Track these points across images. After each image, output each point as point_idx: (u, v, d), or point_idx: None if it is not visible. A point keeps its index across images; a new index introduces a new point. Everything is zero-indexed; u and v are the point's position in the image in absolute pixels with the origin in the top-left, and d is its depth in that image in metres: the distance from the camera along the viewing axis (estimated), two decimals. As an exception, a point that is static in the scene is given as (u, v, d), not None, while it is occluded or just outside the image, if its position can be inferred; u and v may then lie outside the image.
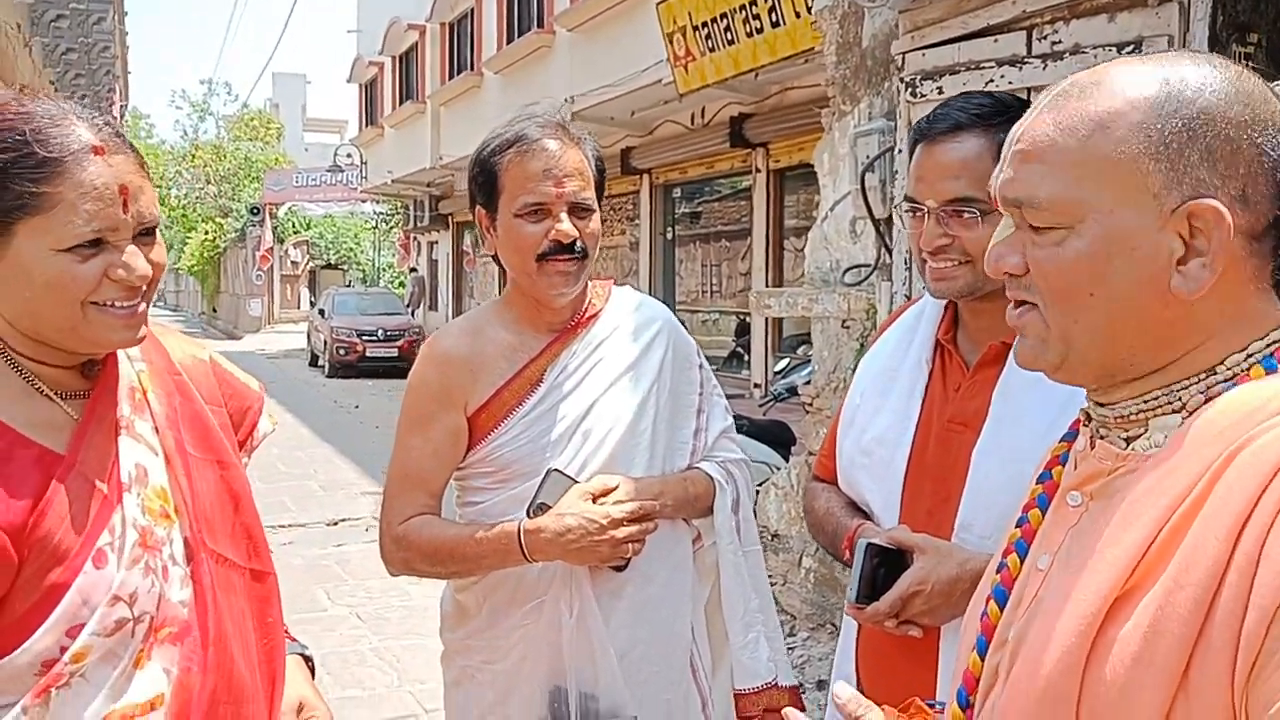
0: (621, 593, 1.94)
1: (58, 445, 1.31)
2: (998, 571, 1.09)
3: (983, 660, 1.05)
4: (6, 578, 1.22)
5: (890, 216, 4.18)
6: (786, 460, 6.38)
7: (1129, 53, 2.38)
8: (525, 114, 1.99)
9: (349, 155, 28.00)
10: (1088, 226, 0.93)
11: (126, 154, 1.30)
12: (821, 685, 4.55)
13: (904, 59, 2.86)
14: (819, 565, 5.21)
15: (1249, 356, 0.92)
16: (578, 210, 1.91)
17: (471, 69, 19.35)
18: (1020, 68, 2.56)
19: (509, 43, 17.37)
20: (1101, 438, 1.01)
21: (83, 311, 1.28)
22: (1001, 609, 1.05)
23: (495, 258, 2.02)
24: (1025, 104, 1.78)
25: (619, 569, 1.91)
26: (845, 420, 1.97)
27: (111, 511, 1.31)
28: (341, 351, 20.13)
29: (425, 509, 1.95)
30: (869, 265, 4.51)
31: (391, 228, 32.56)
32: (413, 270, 28.57)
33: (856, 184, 4.23)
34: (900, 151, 2.95)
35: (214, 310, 40.68)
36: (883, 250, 4.23)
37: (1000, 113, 1.71)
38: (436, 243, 27.53)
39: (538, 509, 1.86)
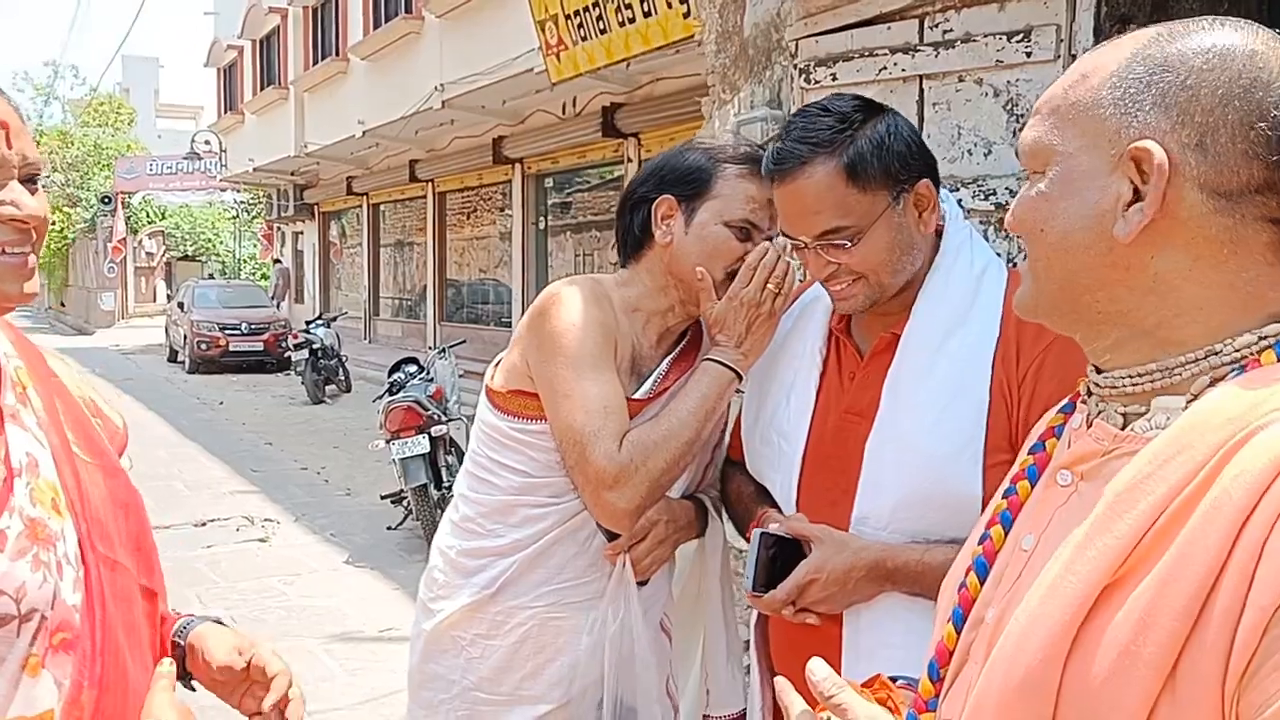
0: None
1: None
2: (979, 543, 1.06)
3: (958, 634, 1.03)
4: None
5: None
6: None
7: (1018, 42, 2.43)
8: (748, 142, 2.05)
9: (207, 142, 27.00)
10: (1052, 169, 0.96)
11: None
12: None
13: (797, 46, 2.86)
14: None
15: (1262, 339, 0.89)
16: None
17: (336, 54, 18.91)
18: (913, 55, 2.59)
19: (376, 28, 17.04)
20: (1099, 414, 0.99)
21: None
22: (982, 582, 1.03)
23: (635, 240, 2.02)
24: (872, 106, 1.74)
25: (642, 584, 1.96)
26: (746, 408, 2.00)
27: (12, 493, 1.18)
28: (203, 346, 19.37)
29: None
30: (753, 252, 4.52)
31: (254, 218, 31.63)
32: (277, 261, 27.80)
33: (740, 172, 4.22)
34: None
35: (61, 305, 38.84)
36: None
37: (840, 130, 1.68)
38: (302, 233, 26.88)
39: None
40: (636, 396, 1.94)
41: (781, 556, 1.70)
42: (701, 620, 2.13)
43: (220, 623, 1.48)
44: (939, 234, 1.77)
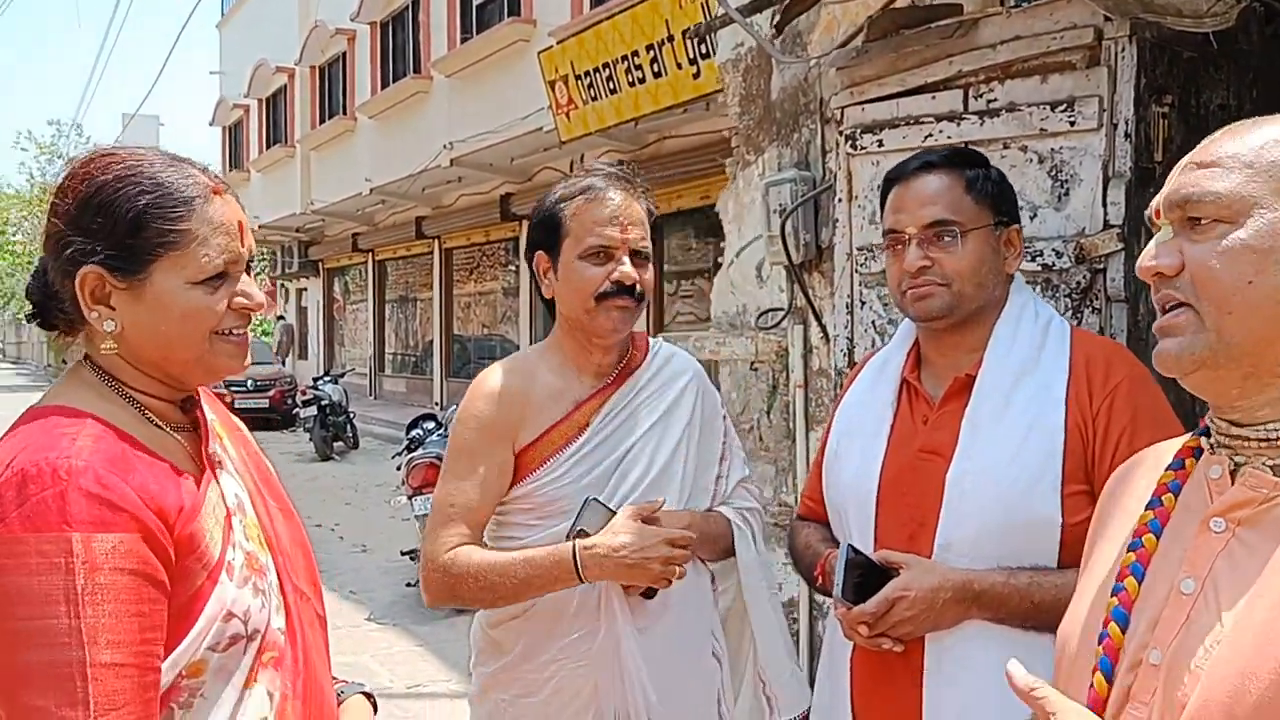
0: (653, 629, 2.02)
1: (181, 465, 1.35)
2: (1114, 594, 1.11)
3: (1109, 682, 1.08)
4: (166, 562, 1.25)
5: (805, 262, 4.28)
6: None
7: (1061, 111, 2.54)
8: (593, 168, 2.13)
9: (212, 200, 27.18)
10: (1252, 220, 1.00)
11: (232, 194, 1.42)
12: None
13: (843, 113, 2.97)
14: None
15: None
16: (637, 257, 2.05)
17: (344, 113, 19.13)
18: (958, 123, 2.69)
19: (384, 88, 17.24)
20: (1239, 465, 1.05)
21: (209, 342, 1.37)
22: (1123, 629, 1.08)
23: (547, 301, 2.15)
24: (977, 154, 1.98)
25: (648, 596, 2.00)
26: (826, 468, 2.11)
27: (232, 529, 1.36)
28: (208, 402, 19.37)
29: (468, 540, 2.01)
30: (782, 309, 4.60)
31: (258, 274, 31.70)
32: (280, 318, 27.87)
33: (766, 230, 4.32)
34: (840, 200, 3.06)
35: (62, 362, 38.36)
36: (797, 293, 4.33)
37: (957, 157, 1.93)
38: (306, 289, 26.99)
39: (577, 535, 1.94)
40: (555, 422, 2.05)
41: (871, 582, 1.78)
42: (748, 634, 2.19)
43: (368, 695, 1.60)
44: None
